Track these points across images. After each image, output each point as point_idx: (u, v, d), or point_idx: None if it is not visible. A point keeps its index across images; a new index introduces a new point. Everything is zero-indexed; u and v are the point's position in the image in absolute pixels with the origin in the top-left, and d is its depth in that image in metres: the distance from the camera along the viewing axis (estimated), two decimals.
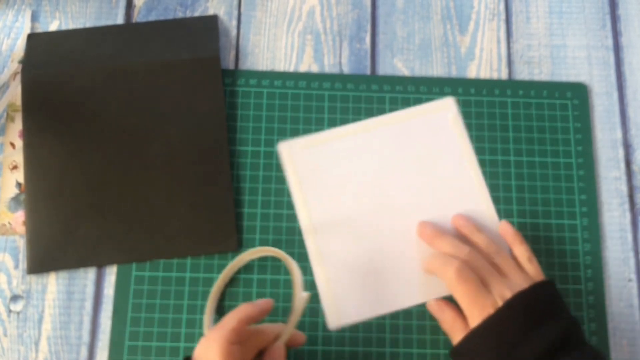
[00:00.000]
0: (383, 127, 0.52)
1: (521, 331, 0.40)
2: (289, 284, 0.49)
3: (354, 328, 0.48)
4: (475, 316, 0.42)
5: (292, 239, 0.50)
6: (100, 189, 0.49)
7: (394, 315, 0.48)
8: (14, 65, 0.53)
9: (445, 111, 0.52)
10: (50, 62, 0.52)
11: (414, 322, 0.48)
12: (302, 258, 0.49)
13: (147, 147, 0.50)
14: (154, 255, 0.49)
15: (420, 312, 0.48)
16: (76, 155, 0.50)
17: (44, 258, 0.48)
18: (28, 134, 0.50)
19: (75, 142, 0.50)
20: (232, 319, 0.40)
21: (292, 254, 0.49)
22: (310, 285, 0.48)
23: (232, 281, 0.48)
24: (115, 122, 0.51)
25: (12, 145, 0.51)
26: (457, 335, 0.43)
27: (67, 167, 0.50)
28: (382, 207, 0.50)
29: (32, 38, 0.54)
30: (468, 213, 0.49)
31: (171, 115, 0.51)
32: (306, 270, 0.48)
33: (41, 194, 0.49)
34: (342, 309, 0.48)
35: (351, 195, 0.50)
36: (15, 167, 0.51)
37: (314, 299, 0.48)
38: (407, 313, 0.48)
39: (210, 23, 0.54)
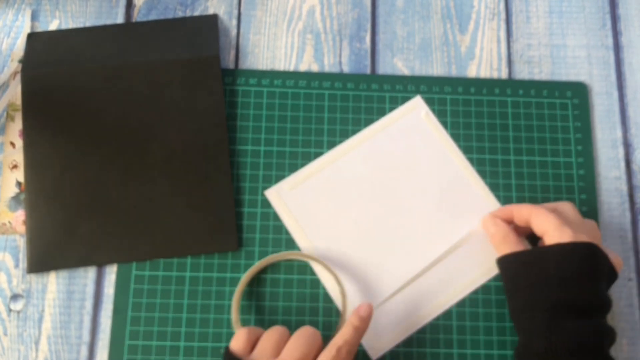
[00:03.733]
0: (361, 145, 0.52)
1: (589, 276, 0.42)
2: (289, 283, 0.49)
3: None
4: (565, 235, 0.43)
5: (291, 238, 0.50)
6: (100, 188, 0.49)
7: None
8: (14, 65, 0.53)
9: (416, 110, 0.53)
10: (50, 61, 0.52)
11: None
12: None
13: (147, 146, 0.50)
14: (154, 254, 0.49)
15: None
16: (76, 155, 0.50)
17: (44, 257, 0.48)
18: (28, 134, 0.50)
19: (75, 141, 0.50)
20: (353, 336, 0.42)
21: None
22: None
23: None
24: (115, 121, 0.51)
25: (12, 144, 0.51)
26: (505, 248, 0.46)
27: (67, 167, 0.50)
28: (384, 221, 0.50)
29: (32, 37, 0.54)
30: (464, 198, 0.51)
31: (171, 114, 0.51)
32: (331, 312, 0.49)
33: (41, 193, 0.49)
34: (378, 336, 0.47)
35: (351, 220, 0.50)
36: (15, 167, 0.51)
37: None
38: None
39: (210, 22, 0.54)
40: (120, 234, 0.49)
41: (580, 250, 0.43)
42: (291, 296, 0.48)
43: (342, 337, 0.42)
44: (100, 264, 0.49)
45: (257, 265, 0.48)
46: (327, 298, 0.48)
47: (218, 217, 0.49)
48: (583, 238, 0.43)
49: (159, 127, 0.51)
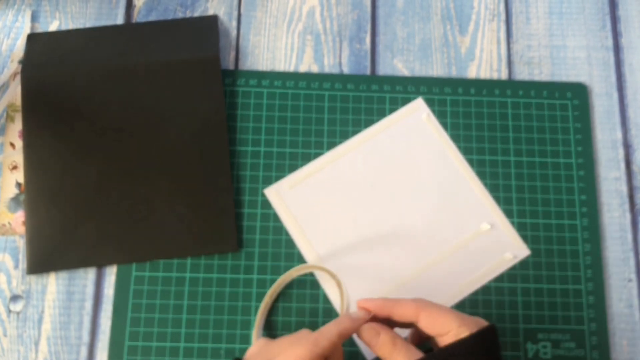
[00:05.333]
0: (362, 145, 0.52)
1: None
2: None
3: None
4: (469, 329, 0.37)
5: (291, 239, 0.50)
6: (99, 189, 0.49)
7: None
8: (14, 65, 0.53)
9: (418, 112, 0.53)
10: (50, 62, 0.52)
11: None
12: (303, 260, 0.49)
13: (146, 147, 0.50)
14: (153, 255, 0.49)
15: None
16: (76, 156, 0.50)
17: (43, 258, 0.48)
18: (28, 134, 0.50)
19: (74, 142, 0.50)
20: (333, 332, 0.38)
21: (292, 254, 0.49)
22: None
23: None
24: (114, 122, 0.51)
25: (12, 145, 0.51)
26: (399, 358, 0.38)
27: (66, 168, 0.50)
28: (384, 222, 0.50)
29: (32, 38, 0.54)
30: (464, 201, 0.50)
31: (171, 115, 0.51)
32: (329, 313, 0.49)
33: (41, 194, 0.49)
34: None
35: (351, 220, 0.50)
36: (15, 168, 0.51)
37: None
38: None
39: (210, 23, 0.54)
40: (119, 235, 0.49)
41: (487, 338, 0.38)
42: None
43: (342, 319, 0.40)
44: (100, 265, 0.49)
45: (280, 281, 0.47)
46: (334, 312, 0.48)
47: (218, 218, 0.49)
48: (483, 323, 0.38)
49: (158, 128, 0.51)
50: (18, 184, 0.50)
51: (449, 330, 0.38)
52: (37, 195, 0.49)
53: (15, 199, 0.50)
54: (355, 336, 0.47)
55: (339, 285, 0.46)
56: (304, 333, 0.39)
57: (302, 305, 0.48)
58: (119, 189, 0.49)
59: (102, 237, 0.49)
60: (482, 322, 0.38)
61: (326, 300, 0.48)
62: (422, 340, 0.42)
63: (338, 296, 0.48)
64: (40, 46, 0.53)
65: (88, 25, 0.55)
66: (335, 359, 0.39)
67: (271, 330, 0.48)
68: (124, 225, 0.49)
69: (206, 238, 0.49)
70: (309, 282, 0.49)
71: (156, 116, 0.51)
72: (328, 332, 0.38)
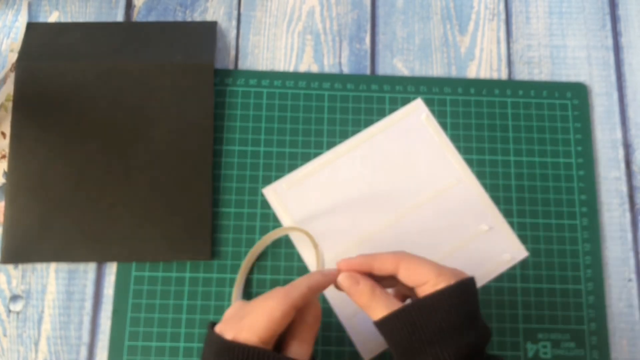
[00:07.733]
0: (361, 145, 0.52)
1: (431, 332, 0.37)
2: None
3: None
4: (447, 279, 0.38)
5: (291, 239, 0.49)
6: (81, 185, 0.49)
7: None
8: (13, 56, 0.53)
9: (417, 112, 0.53)
10: (46, 54, 0.52)
11: None
12: (303, 260, 0.49)
13: (131, 147, 0.50)
14: (127, 256, 0.49)
15: None
16: (61, 149, 0.50)
17: (18, 249, 0.48)
18: (16, 124, 0.50)
19: (61, 136, 0.50)
20: (303, 284, 0.38)
21: (292, 254, 0.49)
22: (337, 326, 0.47)
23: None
24: (103, 120, 0.51)
25: (3, 134, 0.51)
26: (378, 308, 0.38)
27: (50, 160, 0.50)
28: (382, 222, 0.50)
29: (31, 27, 0.54)
30: (463, 202, 0.50)
31: (159, 118, 0.51)
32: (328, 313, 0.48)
33: (23, 184, 0.49)
34: (370, 337, 0.47)
35: (350, 221, 0.50)
36: (4, 157, 0.51)
37: (339, 327, 0.48)
38: None
39: (209, 29, 0.54)
40: (96, 232, 0.49)
41: (465, 290, 0.38)
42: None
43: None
44: (75, 260, 0.49)
45: (260, 244, 0.48)
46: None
47: (194, 224, 0.49)
48: (462, 274, 0.39)
49: (145, 130, 0.50)
50: (6, 173, 0.50)
51: (427, 281, 0.38)
52: (18, 185, 0.49)
53: (2, 188, 0.50)
54: (329, 294, 0.48)
55: (315, 247, 0.47)
56: (276, 289, 0.38)
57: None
58: (100, 187, 0.49)
59: (78, 233, 0.48)
60: (461, 274, 0.39)
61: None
62: (404, 298, 0.43)
63: (313, 258, 0.48)
64: (38, 36, 0.53)
65: None
66: (310, 314, 0.38)
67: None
68: (101, 224, 0.49)
69: (180, 244, 0.48)
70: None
71: (144, 118, 0.51)
72: (298, 284, 0.38)
